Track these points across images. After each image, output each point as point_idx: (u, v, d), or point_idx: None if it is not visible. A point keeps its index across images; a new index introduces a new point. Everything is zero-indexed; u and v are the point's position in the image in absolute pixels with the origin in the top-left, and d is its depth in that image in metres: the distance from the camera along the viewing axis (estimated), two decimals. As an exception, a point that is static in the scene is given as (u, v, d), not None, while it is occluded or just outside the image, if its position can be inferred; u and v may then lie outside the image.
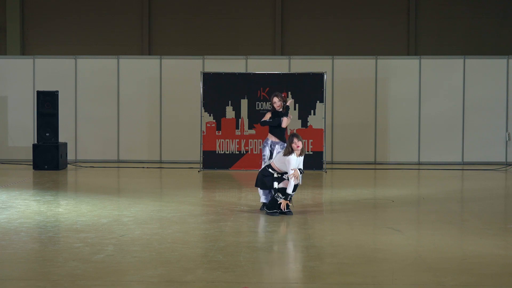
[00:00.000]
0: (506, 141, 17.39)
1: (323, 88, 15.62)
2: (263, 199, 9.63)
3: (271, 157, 10.26)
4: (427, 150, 17.52)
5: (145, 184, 13.62)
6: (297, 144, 9.04)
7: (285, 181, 9.19)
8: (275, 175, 9.21)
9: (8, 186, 12.58)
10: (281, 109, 10.59)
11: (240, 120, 15.67)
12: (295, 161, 9.04)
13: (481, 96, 17.44)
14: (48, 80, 17.56)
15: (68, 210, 9.76)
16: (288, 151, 9.07)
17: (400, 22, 22.46)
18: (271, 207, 9.25)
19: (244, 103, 15.66)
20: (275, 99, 10.58)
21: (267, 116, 10.59)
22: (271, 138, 10.52)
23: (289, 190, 9.06)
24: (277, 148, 10.36)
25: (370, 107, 17.56)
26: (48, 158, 15.41)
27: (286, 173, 9.11)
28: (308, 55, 18.97)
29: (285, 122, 10.47)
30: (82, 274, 6.03)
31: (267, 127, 10.82)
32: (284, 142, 10.33)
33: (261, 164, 10.24)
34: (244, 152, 15.71)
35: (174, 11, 22.73)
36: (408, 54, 21.92)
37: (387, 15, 22.42)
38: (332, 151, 17.52)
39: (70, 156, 17.07)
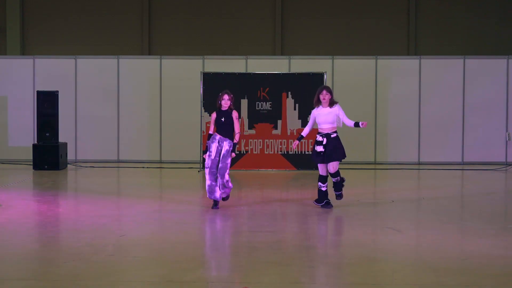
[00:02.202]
0: (506, 141, 17.38)
1: (323, 88, 15.59)
2: (214, 196, 9.63)
3: (217, 155, 9.67)
4: (427, 150, 17.51)
5: (145, 184, 13.62)
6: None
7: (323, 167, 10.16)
8: (319, 139, 10.35)
9: (8, 186, 12.58)
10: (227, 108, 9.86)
11: (240, 120, 15.65)
12: (317, 112, 10.08)
13: (481, 96, 17.44)
14: (48, 80, 17.56)
15: (68, 210, 9.76)
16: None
17: (400, 22, 22.47)
18: (320, 200, 9.93)
19: (244, 103, 15.65)
20: (226, 97, 9.97)
21: (213, 117, 9.80)
22: (220, 135, 9.77)
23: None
24: (226, 145, 9.69)
25: (370, 107, 17.56)
26: (48, 158, 15.41)
27: (327, 135, 10.40)
28: (308, 55, 18.96)
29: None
30: (82, 274, 6.03)
31: (209, 124, 10.25)
32: (232, 139, 9.76)
33: (206, 159, 9.65)
34: (244, 152, 15.71)
35: (174, 11, 22.74)
36: (408, 54, 21.92)
37: (387, 15, 22.43)
38: (332, 151, 17.49)
39: (70, 156, 17.07)
